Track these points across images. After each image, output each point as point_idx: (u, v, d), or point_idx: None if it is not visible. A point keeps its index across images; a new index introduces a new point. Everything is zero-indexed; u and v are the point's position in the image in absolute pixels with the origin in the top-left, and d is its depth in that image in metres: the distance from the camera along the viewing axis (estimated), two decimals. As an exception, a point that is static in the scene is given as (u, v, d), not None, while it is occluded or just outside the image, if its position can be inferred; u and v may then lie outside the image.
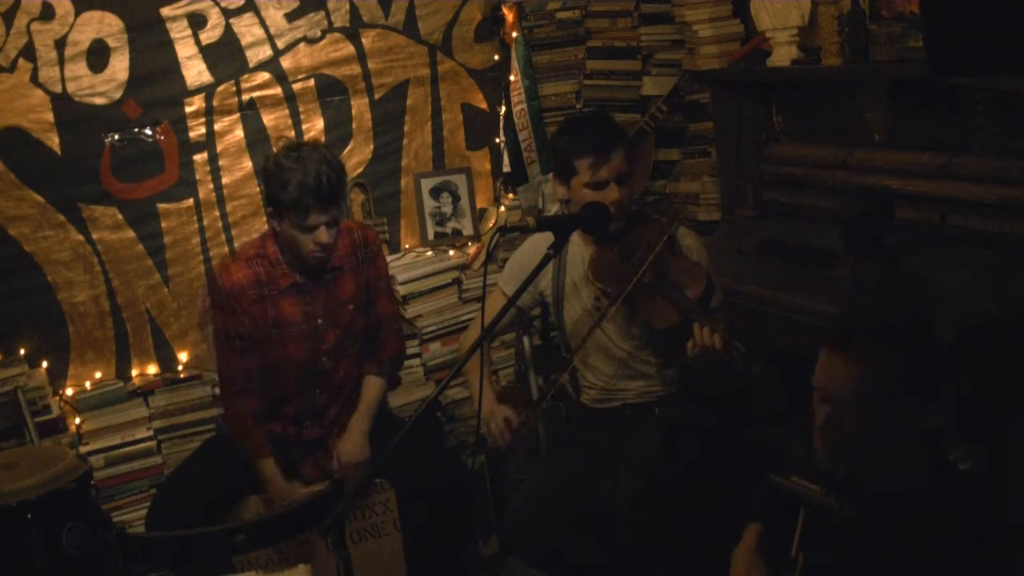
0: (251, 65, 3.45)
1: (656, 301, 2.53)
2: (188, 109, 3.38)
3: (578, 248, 2.75)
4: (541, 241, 2.70)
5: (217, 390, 3.32)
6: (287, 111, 3.52)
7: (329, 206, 2.74)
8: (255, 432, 2.91)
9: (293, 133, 3.53)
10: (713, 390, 2.73)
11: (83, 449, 3.20)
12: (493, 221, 3.80)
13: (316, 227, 2.74)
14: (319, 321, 2.91)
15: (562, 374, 2.81)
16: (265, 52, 3.47)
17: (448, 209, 3.78)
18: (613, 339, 2.73)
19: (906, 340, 1.78)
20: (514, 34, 3.70)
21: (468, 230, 3.80)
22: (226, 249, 3.48)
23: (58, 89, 3.21)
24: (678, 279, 2.52)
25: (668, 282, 2.52)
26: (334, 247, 2.82)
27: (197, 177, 3.43)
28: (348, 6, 3.56)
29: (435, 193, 3.77)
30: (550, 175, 3.77)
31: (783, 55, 3.22)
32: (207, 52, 3.39)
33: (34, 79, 3.18)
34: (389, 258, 3.58)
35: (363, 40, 3.60)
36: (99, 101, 3.27)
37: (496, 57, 3.81)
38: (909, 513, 1.78)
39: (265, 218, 3.44)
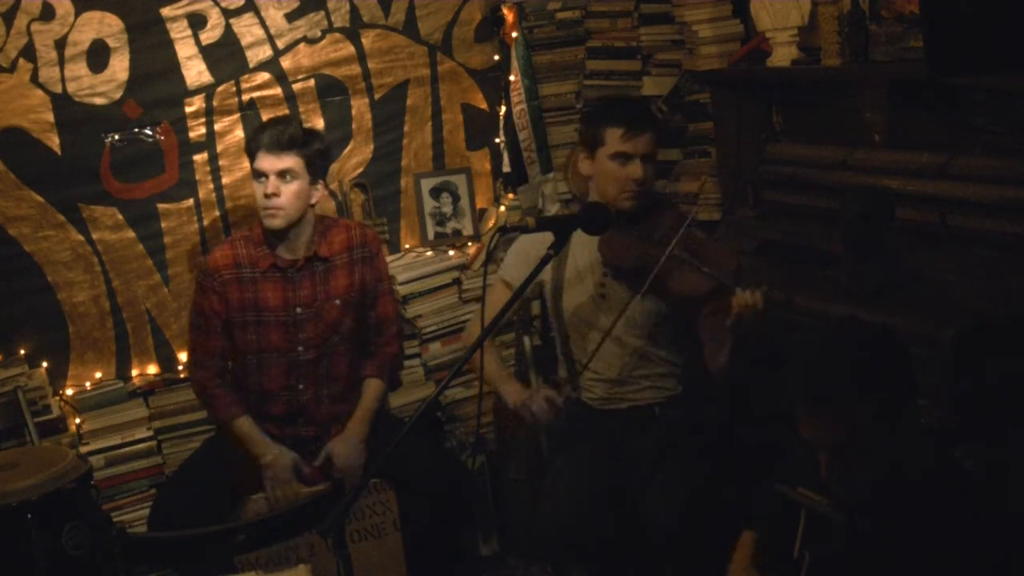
0: (251, 65, 3.45)
1: (682, 272, 2.50)
2: (188, 109, 3.38)
3: (580, 236, 2.71)
4: (540, 236, 2.69)
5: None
6: (287, 111, 3.51)
7: (279, 152, 2.85)
8: (220, 395, 2.96)
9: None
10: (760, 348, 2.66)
11: (83, 449, 3.20)
12: (493, 221, 3.79)
13: (265, 175, 2.84)
14: (298, 310, 2.93)
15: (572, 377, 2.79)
16: (265, 52, 3.46)
17: (448, 209, 3.78)
18: (622, 326, 2.71)
19: (870, 381, 1.75)
20: (514, 34, 3.69)
21: (468, 230, 3.80)
22: (226, 249, 3.48)
23: (58, 89, 3.21)
24: (709, 256, 2.51)
25: (699, 256, 2.50)
26: (292, 207, 2.88)
27: (197, 177, 3.42)
28: (348, 6, 3.56)
29: (435, 193, 3.77)
30: (551, 174, 3.79)
31: (783, 55, 3.22)
32: (207, 52, 3.38)
33: (34, 79, 3.18)
34: (389, 258, 3.58)
35: (363, 40, 3.60)
36: (99, 101, 3.26)
37: (496, 57, 3.80)
38: (910, 512, 1.78)
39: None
